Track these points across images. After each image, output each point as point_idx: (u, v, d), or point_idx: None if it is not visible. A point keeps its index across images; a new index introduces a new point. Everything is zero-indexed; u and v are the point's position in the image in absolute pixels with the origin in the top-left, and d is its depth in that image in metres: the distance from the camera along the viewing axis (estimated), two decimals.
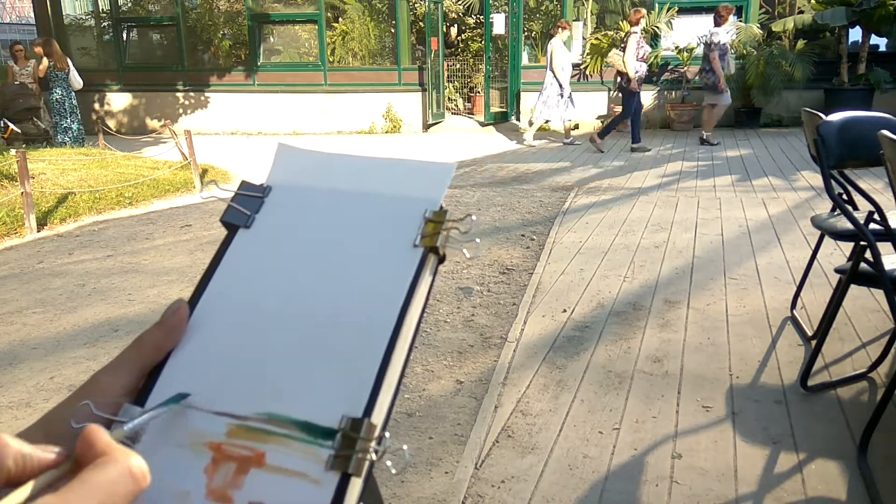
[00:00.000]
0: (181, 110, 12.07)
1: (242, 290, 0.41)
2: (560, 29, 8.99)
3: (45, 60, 8.62)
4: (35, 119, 8.82)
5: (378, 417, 0.35)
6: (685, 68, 10.39)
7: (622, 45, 8.55)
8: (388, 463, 0.35)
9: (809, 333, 2.84)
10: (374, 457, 0.34)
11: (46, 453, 0.30)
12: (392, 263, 0.40)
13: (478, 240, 0.40)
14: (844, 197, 2.62)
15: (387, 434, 0.35)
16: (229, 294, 0.41)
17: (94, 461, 0.29)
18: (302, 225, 0.43)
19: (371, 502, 0.37)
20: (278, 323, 0.39)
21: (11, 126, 8.54)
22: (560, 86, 8.90)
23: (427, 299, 0.41)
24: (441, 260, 0.41)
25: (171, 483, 0.35)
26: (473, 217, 0.40)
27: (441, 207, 0.41)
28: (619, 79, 8.63)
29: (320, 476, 0.33)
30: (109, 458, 0.29)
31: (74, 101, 8.92)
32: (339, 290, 0.40)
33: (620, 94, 8.81)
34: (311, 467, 0.34)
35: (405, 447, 0.35)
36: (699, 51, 10.29)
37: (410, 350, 0.39)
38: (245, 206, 0.43)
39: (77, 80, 8.92)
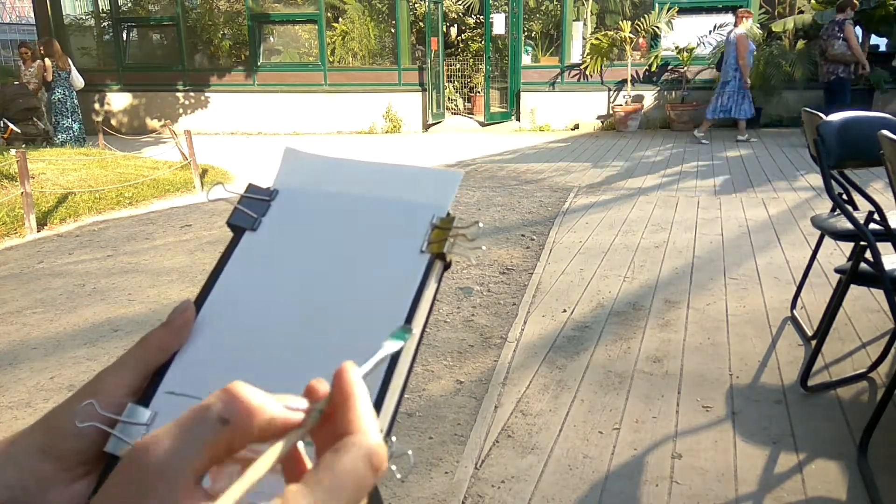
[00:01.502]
0: (181, 110, 12.07)
1: (248, 293, 0.41)
2: (744, 18, 8.35)
3: (47, 61, 8.64)
4: (35, 119, 8.83)
5: (383, 422, 0.35)
6: (685, 68, 10.40)
7: (837, 34, 7.83)
8: (394, 468, 0.35)
9: (809, 333, 2.84)
10: None
11: (293, 413, 0.28)
12: (398, 269, 0.40)
13: (484, 247, 0.40)
14: (844, 197, 2.62)
15: (393, 438, 0.35)
16: (235, 296, 0.41)
17: (340, 444, 0.27)
18: (308, 229, 0.43)
19: (371, 503, 0.37)
20: (284, 326, 0.39)
21: (11, 126, 8.55)
22: (740, 79, 8.33)
23: (432, 305, 0.41)
24: (447, 266, 0.41)
25: None
26: (481, 224, 0.40)
27: (448, 214, 0.41)
28: (837, 70, 7.95)
29: None
30: (354, 443, 0.27)
31: (76, 101, 8.94)
32: (345, 294, 0.40)
33: (834, 88, 8.07)
34: None
35: (410, 452, 0.35)
36: (699, 51, 10.31)
37: (415, 356, 0.39)
38: (251, 209, 0.44)
39: (79, 80, 8.95)
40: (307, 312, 0.39)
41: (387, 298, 0.39)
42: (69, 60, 9.01)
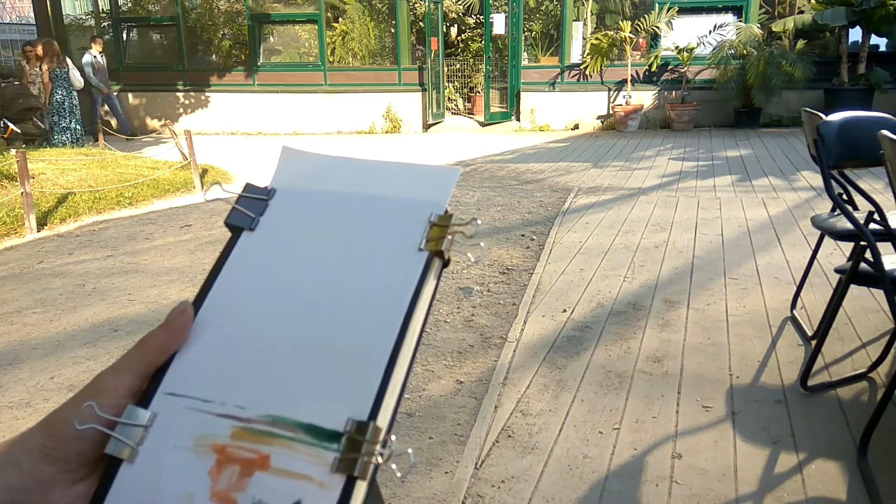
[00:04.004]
0: (181, 110, 12.07)
1: (247, 293, 0.41)
2: None
3: (44, 66, 8.70)
4: (35, 119, 8.85)
5: (383, 420, 0.35)
6: (685, 68, 10.39)
7: None
8: (394, 466, 0.35)
9: (809, 333, 2.84)
10: (379, 460, 0.34)
11: None
12: (397, 267, 0.40)
13: (482, 244, 0.40)
14: (844, 197, 2.62)
15: (392, 437, 0.35)
16: (234, 296, 0.41)
17: None
18: (306, 228, 0.43)
19: (372, 503, 0.37)
20: (283, 326, 0.39)
21: (11, 126, 8.56)
22: None
23: (431, 303, 0.41)
24: (446, 264, 0.41)
25: (176, 485, 0.35)
26: (479, 221, 0.40)
27: (446, 211, 0.41)
28: None
29: (325, 479, 0.33)
30: None
31: (75, 101, 8.96)
32: (344, 293, 0.40)
33: None
34: (316, 470, 0.34)
35: (410, 451, 0.35)
36: (699, 51, 10.31)
37: (415, 353, 0.39)
38: (249, 209, 0.43)
39: (77, 80, 8.97)
40: (306, 311, 0.39)
41: (385, 296, 0.39)
42: (67, 60, 9.04)
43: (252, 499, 0.34)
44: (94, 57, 10.61)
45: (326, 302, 0.39)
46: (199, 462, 0.35)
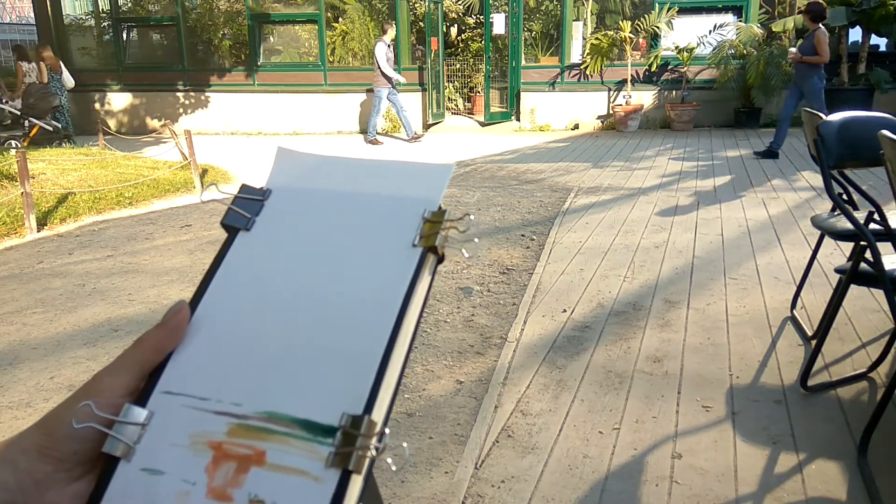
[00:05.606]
0: (181, 110, 12.06)
1: (243, 292, 0.41)
2: None
3: (42, 65, 8.90)
4: (53, 118, 8.98)
5: (378, 414, 0.35)
6: (685, 68, 10.39)
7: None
8: (389, 460, 0.35)
9: (809, 333, 2.84)
10: (374, 453, 0.34)
11: None
12: (391, 263, 0.40)
13: (476, 239, 0.41)
14: (844, 197, 2.62)
15: (387, 431, 0.35)
16: (230, 295, 0.41)
17: None
18: (301, 227, 0.43)
19: (371, 502, 0.37)
20: (278, 323, 0.39)
21: (39, 124, 8.64)
22: None
23: (426, 298, 0.41)
24: (440, 260, 0.42)
25: (172, 482, 0.35)
26: (472, 217, 0.40)
27: (440, 207, 0.41)
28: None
29: (321, 473, 0.34)
30: None
31: (65, 102, 9.21)
32: (339, 290, 0.40)
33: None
34: (311, 465, 0.34)
35: (405, 444, 0.36)
36: (699, 51, 10.31)
37: (410, 348, 0.39)
38: (245, 209, 0.44)
39: (70, 81, 9.37)
40: (301, 310, 0.40)
41: (380, 293, 0.39)
42: (61, 63, 9.23)
43: (248, 494, 0.34)
44: (388, 46, 9.51)
45: (321, 299, 0.40)
46: (196, 459, 0.35)
